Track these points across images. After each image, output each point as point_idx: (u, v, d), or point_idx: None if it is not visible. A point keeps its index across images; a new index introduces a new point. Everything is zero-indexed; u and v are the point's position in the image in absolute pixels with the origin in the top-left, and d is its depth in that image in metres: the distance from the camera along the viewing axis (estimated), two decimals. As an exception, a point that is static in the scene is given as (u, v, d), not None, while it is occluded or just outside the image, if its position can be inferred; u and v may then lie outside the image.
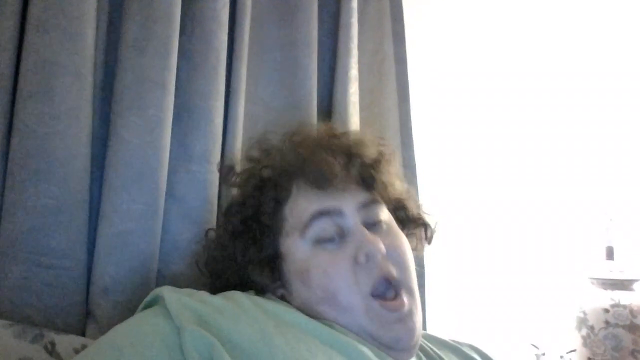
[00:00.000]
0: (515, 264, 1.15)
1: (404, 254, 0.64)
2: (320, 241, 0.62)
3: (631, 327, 0.96)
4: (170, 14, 0.74)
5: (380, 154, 0.70)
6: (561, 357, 1.01)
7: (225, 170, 0.74)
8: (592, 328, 0.99)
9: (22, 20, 0.69)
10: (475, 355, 0.71)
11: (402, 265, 0.62)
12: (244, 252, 0.65)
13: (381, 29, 1.00)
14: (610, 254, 1.05)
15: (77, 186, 0.69)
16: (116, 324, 0.57)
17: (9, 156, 0.67)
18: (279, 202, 0.65)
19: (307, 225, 0.62)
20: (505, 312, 1.12)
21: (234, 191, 0.74)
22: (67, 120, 0.68)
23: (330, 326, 0.59)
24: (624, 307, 0.97)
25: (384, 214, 0.66)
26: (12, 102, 0.68)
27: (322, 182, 0.63)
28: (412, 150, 0.99)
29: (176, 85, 0.75)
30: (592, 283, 1.03)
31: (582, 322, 1.00)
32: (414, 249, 0.71)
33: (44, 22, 0.67)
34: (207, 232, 0.71)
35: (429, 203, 0.98)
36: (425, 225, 0.74)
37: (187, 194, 0.76)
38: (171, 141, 0.75)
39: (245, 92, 0.82)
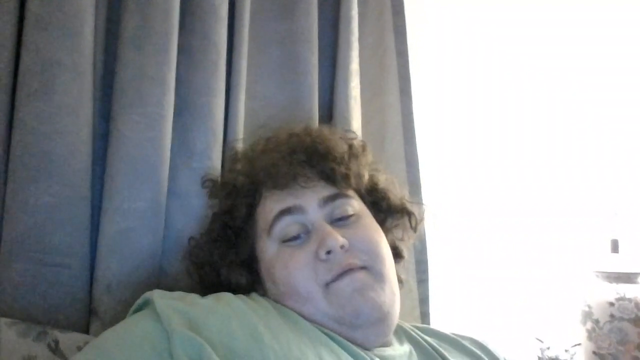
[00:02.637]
0: (520, 257, 1.14)
1: (371, 242, 0.64)
2: (284, 239, 0.64)
3: (636, 321, 0.95)
4: (168, 9, 0.74)
5: (349, 147, 0.71)
6: (566, 350, 1.01)
7: (208, 183, 0.75)
8: (597, 322, 0.98)
9: (20, 18, 0.68)
10: (476, 349, 0.71)
11: (369, 253, 0.63)
12: (222, 256, 0.67)
13: (382, 22, 1.00)
14: (615, 247, 1.04)
15: (79, 184, 0.69)
16: (120, 320, 0.57)
17: (10, 154, 0.67)
18: (251, 207, 0.68)
19: (271, 225, 0.64)
20: (510, 306, 1.11)
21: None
22: (67, 118, 0.68)
23: (315, 326, 0.59)
24: (629, 300, 0.97)
25: (353, 207, 0.66)
26: (12, 101, 0.68)
27: (280, 183, 0.65)
28: (414, 145, 0.98)
29: (176, 82, 0.75)
30: (597, 276, 1.02)
31: (587, 315, 1.00)
32: (400, 239, 0.72)
33: (42, 20, 0.67)
34: (189, 240, 0.72)
35: (431, 198, 0.98)
36: (409, 214, 0.73)
37: (188, 190, 0.76)
38: (172, 138, 0.75)
39: (245, 88, 0.82)
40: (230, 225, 0.68)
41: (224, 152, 0.79)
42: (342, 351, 0.57)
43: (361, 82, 0.94)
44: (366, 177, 0.71)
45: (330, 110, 0.91)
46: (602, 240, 1.06)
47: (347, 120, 0.88)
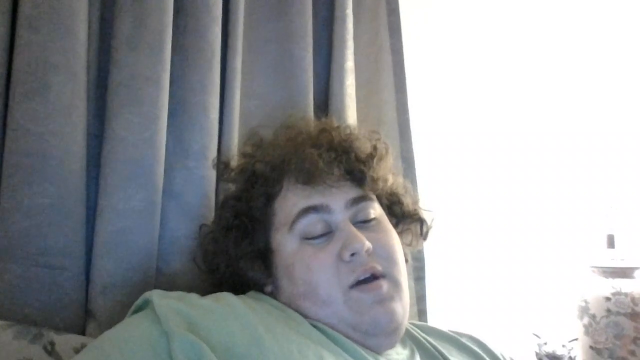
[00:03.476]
0: (516, 253, 1.15)
1: (392, 250, 0.64)
2: (307, 237, 0.63)
3: (633, 315, 0.96)
4: (163, 9, 0.73)
5: (374, 148, 0.70)
6: (563, 346, 1.01)
7: (221, 166, 0.74)
8: (593, 316, 0.98)
9: (12, 18, 0.68)
10: (473, 346, 0.71)
11: (388, 260, 0.63)
12: (236, 245, 0.66)
13: (377, 20, 1.00)
14: (611, 242, 1.05)
15: (74, 185, 0.68)
16: (116, 321, 0.57)
17: (4, 156, 0.67)
18: (270, 197, 0.66)
19: (294, 221, 0.63)
20: (506, 302, 1.12)
21: (231, 186, 0.74)
22: (62, 119, 0.67)
23: (324, 329, 0.59)
24: (626, 295, 0.97)
25: (375, 211, 0.66)
26: (6, 102, 0.67)
27: (307, 178, 0.63)
28: (410, 142, 0.99)
29: (171, 81, 0.74)
30: (594, 271, 1.02)
31: (584, 310, 1.00)
32: (409, 244, 0.72)
33: (35, 20, 0.67)
34: (200, 227, 0.71)
35: (427, 195, 0.98)
36: (421, 221, 0.74)
37: (184, 190, 0.76)
38: (167, 137, 0.74)
39: (240, 87, 0.82)
40: (245, 214, 0.66)
41: (219, 151, 0.79)
42: (346, 354, 0.57)
43: (356, 80, 0.94)
44: (390, 181, 0.70)
45: (325, 108, 0.90)
46: (598, 235, 1.07)
47: (342, 118, 0.88)
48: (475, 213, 1.15)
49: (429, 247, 0.96)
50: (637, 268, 1.01)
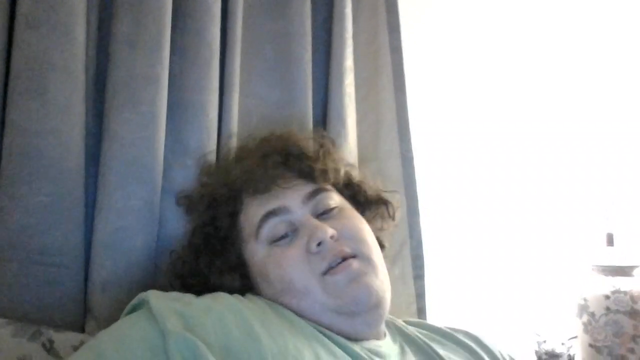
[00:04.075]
0: (515, 251, 1.15)
1: (358, 230, 0.66)
2: (274, 240, 0.65)
3: (632, 313, 0.96)
4: (161, 8, 0.73)
5: (320, 145, 0.73)
6: (562, 343, 1.01)
7: (182, 200, 0.75)
8: (592, 314, 0.98)
9: (11, 16, 0.68)
10: (470, 342, 0.71)
11: (356, 241, 0.64)
12: (209, 265, 0.68)
13: (375, 19, 1.00)
14: (610, 241, 1.05)
15: (72, 183, 0.69)
16: (115, 319, 0.57)
17: (2, 155, 0.67)
18: (234, 215, 0.68)
19: (258, 228, 0.65)
20: (506, 300, 1.12)
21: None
22: (60, 117, 0.67)
23: (308, 323, 0.60)
24: (625, 293, 0.97)
25: (334, 200, 0.68)
26: (4, 100, 0.68)
27: (258, 187, 0.66)
28: (409, 141, 0.98)
29: (169, 80, 0.75)
30: (593, 270, 1.02)
31: (583, 308, 1.00)
32: (380, 229, 0.74)
33: (34, 18, 0.67)
34: (170, 252, 0.72)
35: (427, 194, 0.98)
36: (385, 203, 0.76)
37: (183, 188, 0.76)
38: (166, 136, 0.75)
39: (239, 86, 0.82)
40: (213, 236, 0.69)
41: (218, 150, 0.79)
42: (338, 349, 0.58)
43: (355, 80, 0.94)
44: (342, 171, 0.73)
45: (324, 107, 0.91)
46: (597, 233, 1.07)
47: (341, 117, 0.88)
48: (474, 211, 1.15)
49: (429, 245, 0.96)
50: (636, 266, 1.01)
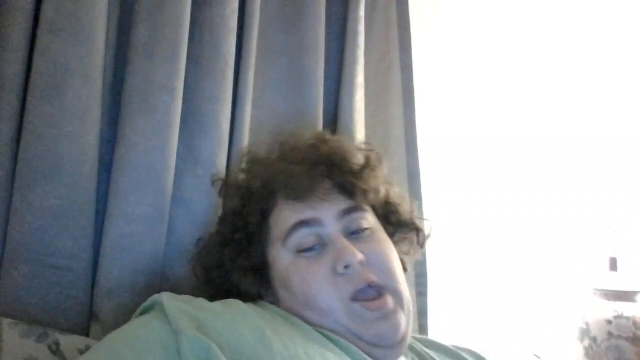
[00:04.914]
0: (518, 273, 1.15)
1: (386, 259, 0.65)
2: (300, 250, 0.64)
3: (634, 339, 0.95)
4: (179, 19, 0.75)
5: (366, 159, 0.71)
6: (563, 367, 1.01)
7: (217, 182, 0.75)
8: (594, 339, 0.98)
9: (34, 22, 0.69)
10: (474, 361, 0.71)
11: (383, 269, 0.63)
12: (232, 260, 0.67)
13: (387, 36, 1.01)
14: (613, 265, 1.05)
15: (84, 188, 0.69)
16: (120, 324, 0.58)
17: (18, 157, 0.68)
18: (265, 213, 0.67)
19: (287, 235, 0.64)
20: (508, 322, 1.11)
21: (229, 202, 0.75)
22: (76, 123, 0.68)
23: (320, 332, 0.60)
24: (627, 318, 0.97)
25: (368, 221, 0.67)
26: (23, 103, 0.69)
27: (295, 194, 0.65)
28: (417, 158, 0.99)
29: (184, 90, 0.76)
30: (595, 294, 1.02)
31: (585, 333, 1.00)
32: (406, 253, 0.73)
33: (56, 25, 0.68)
34: (198, 240, 0.72)
35: (432, 211, 0.98)
36: (417, 230, 0.75)
37: (193, 197, 0.77)
38: (178, 145, 0.76)
39: (252, 97, 0.83)
40: (241, 229, 0.68)
41: (228, 160, 0.80)
42: (350, 359, 0.57)
43: (365, 95, 0.95)
44: (382, 191, 0.71)
45: (334, 122, 0.91)
46: (600, 258, 1.07)
47: (350, 132, 0.89)
48: (478, 231, 1.15)
49: (432, 263, 0.97)
50: (639, 292, 1.01)
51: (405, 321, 0.62)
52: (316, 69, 0.89)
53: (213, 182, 0.75)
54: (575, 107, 1.20)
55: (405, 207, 0.74)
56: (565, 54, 1.23)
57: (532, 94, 1.22)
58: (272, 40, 0.89)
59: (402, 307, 0.62)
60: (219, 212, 0.78)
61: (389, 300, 0.61)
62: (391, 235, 0.71)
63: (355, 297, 0.61)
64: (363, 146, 0.75)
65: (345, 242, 0.63)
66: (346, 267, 0.61)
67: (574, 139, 1.19)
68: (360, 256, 0.61)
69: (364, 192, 0.68)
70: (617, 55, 1.21)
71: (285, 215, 0.66)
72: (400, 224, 0.73)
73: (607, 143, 1.18)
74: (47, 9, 0.69)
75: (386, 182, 0.74)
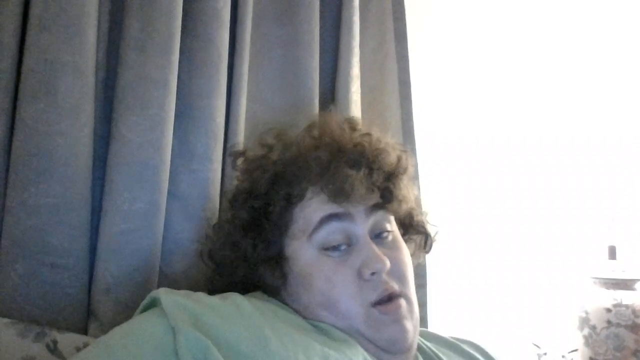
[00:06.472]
0: (517, 263, 1.15)
1: (406, 269, 0.65)
2: (326, 248, 0.62)
3: (633, 327, 0.96)
4: (171, 12, 0.74)
5: (399, 161, 0.69)
6: (563, 356, 1.01)
7: (235, 154, 0.73)
8: (594, 328, 0.98)
9: (23, 19, 0.68)
10: (474, 353, 0.71)
11: (402, 279, 0.63)
12: (253, 249, 0.65)
13: (383, 27, 1.00)
14: (612, 254, 1.05)
15: (79, 185, 0.69)
16: (118, 322, 0.57)
17: (11, 155, 0.67)
18: (291, 202, 0.64)
19: (316, 228, 0.62)
20: (507, 311, 1.12)
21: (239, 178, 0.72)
22: (69, 119, 0.68)
23: (328, 330, 0.60)
24: (627, 306, 0.97)
25: (390, 223, 0.67)
26: (14, 101, 0.68)
27: (340, 197, 0.62)
28: (414, 149, 0.99)
29: (178, 84, 0.75)
30: (595, 282, 1.02)
31: (584, 321, 1.00)
32: (411, 254, 0.71)
33: (46, 21, 0.67)
34: (213, 226, 0.71)
35: (429, 202, 0.98)
36: (426, 235, 0.74)
37: (189, 192, 0.76)
38: (173, 140, 0.75)
39: (246, 91, 0.82)
40: (262, 213, 0.65)
41: (224, 154, 0.79)
42: (351, 356, 0.57)
43: (361, 87, 0.94)
44: (409, 198, 0.70)
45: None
46: (599, 246, 1.07)
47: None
48: (477, 222, 1.15)
49: (431, 255, 0.96)
50: (638, 280, 1.01)
51: (413, 329, 0.62)
52: (311, 61, 0.88)
53: (230, 155, 0.72)
54: (575, 96, 1.20)
55: (419, 211, 0.74)
56: (562, 42, 1.22)
57: (531, 84, 1.21)
58: (266, 33, 0.88)
59: (411, 315, 0.63)
60: (216, 206, 0.77)
61: (403, 304, 0.62)
62: (402, 236, 0.70)
63: (375, 303, 0.61)
64: (397, 145, 0.72)
65: (375, 247, 0.62)
66: (373, 273, 0.61)
67: (573, 127, 1.19)
68: (389, 264, 0.61)
69: (398, 201, 0.67)
70: (611, 42, 1.20)
71: (314, 207, 0.63)
72: (412, 228, 0.73)
73: (605, 132, 1.17)
74: (36, 5, 0.68)
75: (412, 186, 0.72)
